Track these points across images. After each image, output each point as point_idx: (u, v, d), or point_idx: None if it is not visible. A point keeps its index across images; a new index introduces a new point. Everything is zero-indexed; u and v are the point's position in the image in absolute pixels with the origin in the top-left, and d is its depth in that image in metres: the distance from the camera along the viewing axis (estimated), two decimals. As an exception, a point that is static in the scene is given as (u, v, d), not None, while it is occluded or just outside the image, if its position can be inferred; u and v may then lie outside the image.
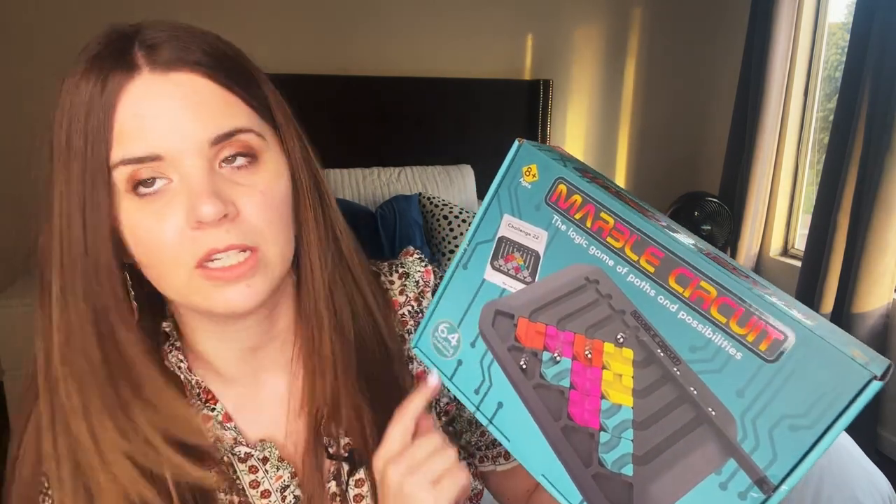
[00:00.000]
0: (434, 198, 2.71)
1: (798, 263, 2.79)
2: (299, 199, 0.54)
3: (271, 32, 2.68)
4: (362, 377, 0.57)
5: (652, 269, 0.42)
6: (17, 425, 0.56)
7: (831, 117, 2.59)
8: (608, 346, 0.44)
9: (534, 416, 0.46)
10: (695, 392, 0.40)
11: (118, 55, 0.46)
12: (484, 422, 0.48)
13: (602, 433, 0.43)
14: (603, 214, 0.44)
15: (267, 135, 0.51)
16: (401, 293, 0.63)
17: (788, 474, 0.37)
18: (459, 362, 0.50)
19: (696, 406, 0.40)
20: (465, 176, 2.95)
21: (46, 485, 0.54)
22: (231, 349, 0.57)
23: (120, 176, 0.47)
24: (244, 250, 0.48)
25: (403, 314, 0.63)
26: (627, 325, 0.43)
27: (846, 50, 2.46)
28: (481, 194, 2.96)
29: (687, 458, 0.40)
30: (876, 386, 0.35)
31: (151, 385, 0.51)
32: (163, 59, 0.47)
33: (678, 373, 0.41)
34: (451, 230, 2.58)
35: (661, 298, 0.41)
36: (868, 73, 2.32)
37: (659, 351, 0.41)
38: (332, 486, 0.58)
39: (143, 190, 0.47)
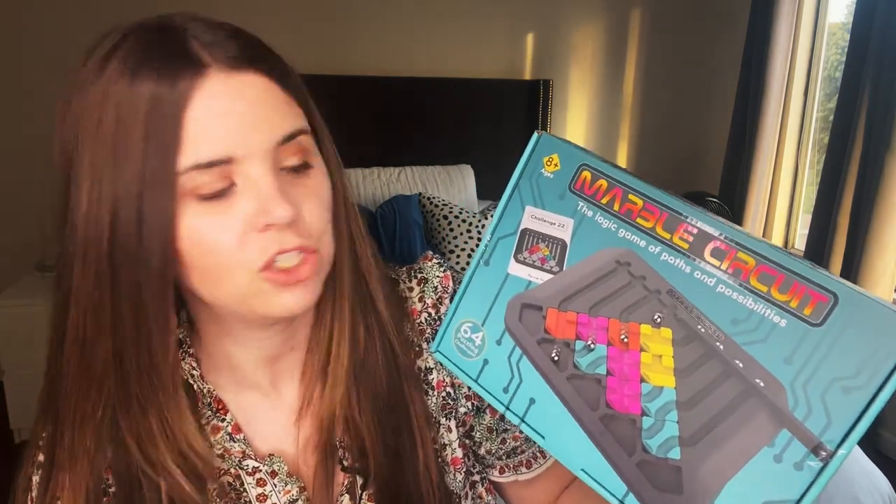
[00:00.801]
0: (434, 198, 2.71)
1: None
2: (335, 201, 0.52)
3: (271, 32, 2.68)
4: (370, 392, 0.56)
5: (686, 246, 0.42)
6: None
7: (831, 117, 2.59)
8: (645, 328, 0.43)
9: (569, 408, 0.44)
10: (740, 365, 0.39)
11: (179, 53, 0.44)
12: (516, 421, 0.46)
13: (645, 418, 0.42)
14: (631, 196, 0.44)
15: (313, 138, 0.51)
16: (419, 300, 0.62)
17: (845, 438, 0.36)
18: (485, 362, 0.48)
19: (743, 379, 0.39)
20: (465, 176, 2.95)
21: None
22: (252, 357, 0.56)
23: (188, 182, 0.44)
24: (309, 252, 0.48)
25: (420, 322, 0.61)
26: (664, 304, 0.42)
27: (846, 50, 2.46)
28: (481, 194, 2.96)
29: (737, 433, 0.39)
30: None
31: (168, 396, 0.50)
32: (227, 56, 0.45)
33: (721, 347, 0.40)
34: (451, 230, 2.58)
35: (697, 274, 0.41)
36: (868, 73, 2.32)
37: (699, 327, 0.41)
38: (346, 501, 0.57)
39: (206, 192, 0.45)
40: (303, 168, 0.49)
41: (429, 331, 0.61)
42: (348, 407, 0.56)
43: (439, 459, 0.60)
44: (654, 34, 3.32)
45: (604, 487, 0.43)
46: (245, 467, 0.56)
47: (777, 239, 3.06)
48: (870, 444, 2.33)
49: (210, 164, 0.44)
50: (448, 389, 0.61)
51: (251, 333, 0.55)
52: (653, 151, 3.45)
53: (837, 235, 2.46)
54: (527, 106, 3.08)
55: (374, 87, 2.88)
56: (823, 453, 0.37)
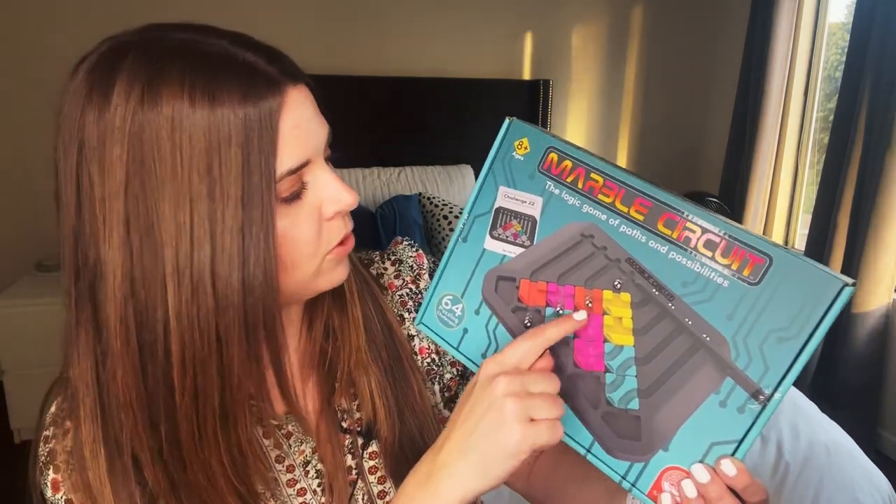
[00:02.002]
0: (434, 198, 2.71)
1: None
2: None
3: (271, 33, 2.67)
4: (373, 349, 0.60)
5: (641, 218, 0.46)
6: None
7: (831, 117, 2.59)
8: (607, 294, 0.47)
9: None
10: (689, 322, 0.44)
11: (251, 73, 0.46)
12: None
13: (608, 374, 0.47)
14: (593, 175, 0.48)
15: None
16: (396, 277, 0.67)
17: (780, 383, 0.41)
18: (465, 331, 0.53)
19: (692, 335, 0.44)
20: (465, 176, 2.95)
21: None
22: None
23: (283, 187, 0.48)
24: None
25: (402, 295, 0.67)
26: (623, 271, 0.47)
27: (846, 50, 2.46)
28: (481, 194, 2.96)
29: (687, 383, 0.44)
30: (848, 291, 0.39)
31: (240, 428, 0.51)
32: (289, 72, 0.49)
33: (673, 308, 0.45)
34: (451, 230, 2.58)
35: (651, 243, 0.46)
36: (868, 73, 2.32)
37: (654, 290, 0.46)
38: (349, 460, 0.60)
39: (288, 196, 0.49)
40: (330, 160, 0.55)
41: (410, 303, 0.67)
42: (357, 358, 0.59)
43: (432, 421, 0.63)
44: (654, 34, 3.32)
45: (573, 439, 0.48)
46: (265, 425, 0.57)
47: (777, 239, 3.06)
48: (870, 444, 2.33)
49: (297, 169, 0.49)
50: (433, 356, 0.66)
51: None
52: (653, 151, 3.46)
53: (837, 235, 2.46)
54: (527, 106, 3.08)
55: (374, 87, 2.88)
56: (762, 397, 0.42)
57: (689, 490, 0.43)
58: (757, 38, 2.86)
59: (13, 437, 2.36)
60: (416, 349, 0.66)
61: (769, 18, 2.78)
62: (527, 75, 3.17)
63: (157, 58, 0.45)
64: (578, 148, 0.50)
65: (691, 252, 0.44)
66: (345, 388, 0.60)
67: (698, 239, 0.44)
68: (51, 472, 0.53)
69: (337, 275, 0.55)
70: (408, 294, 0.67)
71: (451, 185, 2.91)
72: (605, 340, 0.47)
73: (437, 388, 0.66)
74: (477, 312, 0.52)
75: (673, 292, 0.45)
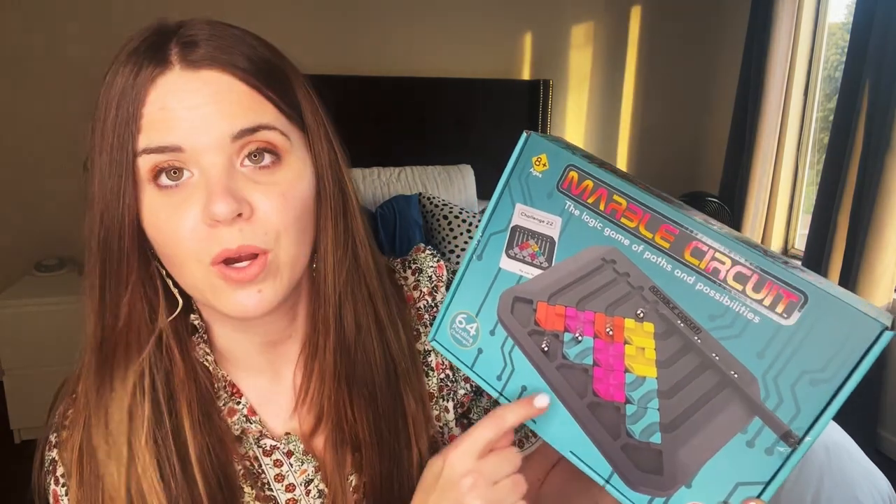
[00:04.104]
0: (434, 198, 2.71)
1: (798, 263, 2.79)
2: (321, 204, 0.53)
3: (271, 32, 2.68)
4: (363, 391, 0.57)
5: (667, 245, 0.44)
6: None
7: (831, 117, 2.59)
8: (629, 322, 0.45)
9: (559, 395, 0.47)
10: (717, 357, 0.42)
11: (154, 50, 0.48)
12: None
13: (628, 405, 0.45)
14: (616, 197, 0.46)
15: (293, 136, 0.51)
16: (415, 288, 0.65)
17: (811, 426, 0.39)
18: (480, 351, 0.51)
19: (719, 371, 0.42)
20: (465, 176, 2.95)
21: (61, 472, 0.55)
22: (252, 342, 0.57)
23: (143, 165, 0.47)
24: (255, 254, 0.48)
25: (419, 308, 0.64)
26: (646, 300, 0.45)
27: (846, 50, 2.46)
28: (481, 194, 2.96)
29: (713, 421, 0.42)
30: (888, 336, 0.38)
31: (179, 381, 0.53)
32: (196, 56, 0.47)
33: (699, 341, 0.43)
34: (451, 230, 2.57)
35: (677, 272, 0.43)
36: (868, 73, 2.32)
37: (679, 322, 0.44)
38: (354, 479, 0.59)
39: (164, 181, 0.48)
40: (272, 162, 0.49)
41: (426, 316, 0.64)
42: (340, 403, 0.57)
43: (443, 439, 0.63)
44: (654, 34, 3.31)
45: (591, 468, 0.46)
46: (263, 446, 0.58)
47: (777, 239, 3.06)
48: (870, 444, 2.33)
49: (160, 150, 0.47)
50: (447, 371, 0.64)
51: (248, 323, 0.55)
52: (653, 152, 3.45)
53: (837, 235, 2.46)
54: (526, 106, 3.08)
55: (375, 87, 2.88)
56: (791, 440, 0.40)
57: None
58: (757, 38, 2.85)
59: (13, 437, 2.36)
60: (432, 365, 0.64)
61: (769, 18, 2.78)
62: (527, 75, 3.17)
63: (134, 35, 0.50)
64: (601, 165, 0.47)
65: (720, 284, 0.42)
66: (331, 415, 0.58)
67: (728, 271, 0.42)
68: (51, 483, 0.55)
69: (231, 302, 0.49)
70: (424, 307, 0.64)
71: (451, 185, 2.91)
72: (627, 371, 0.45)
73: (450, 405, 0.64)
74: (492, 333, 0.51)
75: (700, 325, 0.43)
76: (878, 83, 2.28)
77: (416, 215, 2.65)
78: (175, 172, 0.47)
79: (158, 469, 0.51)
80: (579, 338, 0.47)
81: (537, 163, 0.49)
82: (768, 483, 0.42)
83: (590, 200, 0.47)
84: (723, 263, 0.42)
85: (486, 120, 3.05)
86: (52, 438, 0.55)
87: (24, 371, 2.29)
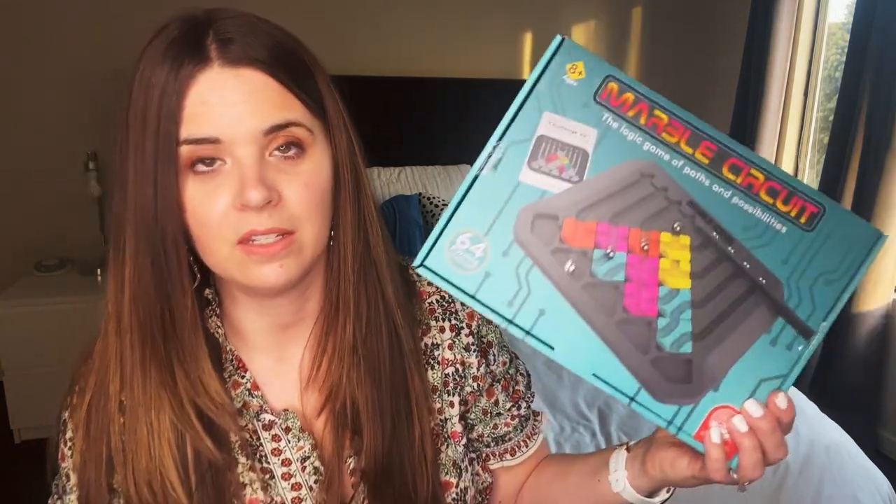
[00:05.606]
0: (434, 198, 2.71)
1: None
2: (340, 189, 0.57)
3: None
4: (371, 367, 0.60)
5: (706, 161, 0.46)
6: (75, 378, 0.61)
7: (831, 117, 2.59)
8: (665, 236, 0.46)
9: (584, 315, 0.46)
10: (747, 266, 0.46)
11: (194, 45, 0.51)
12: (520, 334, 0.46)
13: (660, 319, 0.46)
14: (657, 111, 0.46)
15: (316, 129, 0.55)
16: (429, 284, 0.66)
17: (823, 320, 0.46)
18: (487, 274, 0.46)
19: (749, 278, 0.46)
20: (464, 176, 2.94)
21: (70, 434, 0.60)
22: (265, 323, 0.61)
23: (183, 153, 0.51)
24: (281, 234, 0.52)
25: (431, 303, 0.66)
26: (684, 213, 0.46)
27: (846, 50, 2.46)
28: (481, 194, 2.96)
29: (741, 325, 0.46)
30: (884, 239, 0.47)
31: (191, 350, 0.56)
32: (233, 54, 0.51)
33: (732, 251, 0.46)
34: (451, 230, 2.57)
35: (715, 187, 0.46)
36: (868, 73, 2.32)
37: (714, 234, 0.46)
38: (353, 463, 0.60)
39: (200, 168, 0.52)
40: (296, 155, 0.54)
41: (439, 310, 0.66)
42: (349, 380, 0.59)
43: (444, 432, 0.64)
44: (654, 34, 3.32)
45: (615, 388, 0.46)
46: (262, 420, 0.60)
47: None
48: (870, 444, 2.33)
49: (199, 141, 0.50)
50: (456, 366, 0.65)
51: (258, 301, 0.60)
52: (653, 151, 3.45)
53: (837, 235, 2.45)
54: (527, 106, 3.07)
55: (374, 87, 2.87)
56: (808, 334, 0.46)
57: (741, 425, 0.46)
58: (757, 38, 2.85)
59: (13, 437, 2.36)
60: (439, 359, 0.65)
61: (769, 18, 2.78)
62: (527, 75, 3.14)
63: (164, 26, 0.53)
64: (639, 84, 0.46)
65: (754, 198, 0.46)
66: (340, 393, 0.60)
67: (761, 185, 0.46)
68: (60, 443, 0.61)
69: (254, 275, 0.53)
70: (437, 301, 0.66)
71: (451, 185, 2.91)
72: (660, 284, 0.46)
73: (456, 399, 0.65)
74: (505, 254, 0.46)
75: (733, 236, 0.46)
76: (878, 83, 2.28)
77: (416, 215, 2.65)
78: (210, 160, 0.52)
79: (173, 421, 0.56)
80: (611, 254, 0.46)
81: (572, 70, 0.46)
82: (786, 375, 0.46)
83: (630, 114, 0.46)
84: (757, 179, 0.46)
85: (486, 120, 3.01)
86: (67, 401, 0.60)
87: (24, 371, 2.29)
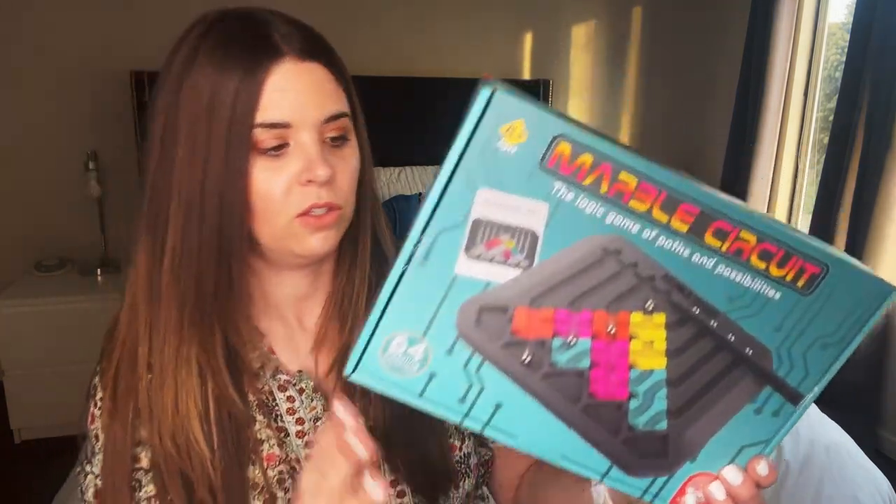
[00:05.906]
0: (434, 198, 2.71)
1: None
2: (364, 173, 0.65)
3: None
4: None
5: (685, 228, 0.39)
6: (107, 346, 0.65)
7: (831, 117, 2.59)
8: (636, 316, 0.41)
9: (546, 405, 0.42)
10: (732, 338, 0.42)
11: (263, 39, 0.57)
12: (477, 428, 0.42)
13: (633, 400, 0.42)
14: (623, 175, 0.38)
15: (352, 120, 0.62)
16: None
17: (816, 385, 0.42)
18: (432, 375, 0.41)
19: (733, 351, 0.42)
20: (465, 176, 2.94)
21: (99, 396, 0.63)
22: (284, 294, 0.67)
23: (257, 136, 0.56)
24: (332, 208, 0.59)
25: None
26: (657, 290, 0.40)
27: (846, 50, 2.46)
28: (481, 194, 2.96)
29: (723, 398, 0.42)
30: (894, 295, 0.41)
31: (239, 309, 0.62)
32: (299, 48, 0.57)
33: (715, 325, 0.41)
34: (451, 230, 2.58)
35: (696, 257, 0.40)
36: (868, 73, 2.32)
37: (694, 308, 0.41)
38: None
39: (269, 149, 0.57)
40: (341, 143, 0.60)
41: None
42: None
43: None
44: (654, 34, 3.32)
45: (587, 468, 0.43)
46: (278, 380, 0.65)
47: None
48: (870, 444, 2.33)
49: (273, 125, 0.56)
50: None
51: (288, 273, 0.66)
52: (653, 151, 3.44)
53: (838, 235, 2.46)
54: (527, 106, 3.07)
55: (375, 86, 2.87)
56: (798, 400, 0.42)
57: (718, 493, 0.43)
58: (757, 38, 2.85)
59: (13, 438, 2.36)
60: None
61: (769, 18, 2.78)
62: (527, 75, 3.17)
63: (209, 27, 0.58)
64: (599, 134, 0.38)
65: (742, 265, 0.40)
66: None
67: (752, 249, 0.39)
68: (91, 406, 0.64)
69: (307, 243, 0.59)
70: None
71: (451, 185, 2.90)
72: (631, 367, 0.42)
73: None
74: (450, 352, 0.40)
75: (717, 309, 0.41)
76: (878, 83, 2.28)
77: (416, 215, 2.65)
78: (279, 143, 0.57)
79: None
80: (572, 342, 0.41)
81: (509, 133, 0.36)
82: (770, 440, 0.43)
83: (587, 181, 0.38)
84: (747, 242, 0.39)
85: (486, 120, 3.04)
86: (97, 367, 0.65)
87: (24, 371, 2.29)
